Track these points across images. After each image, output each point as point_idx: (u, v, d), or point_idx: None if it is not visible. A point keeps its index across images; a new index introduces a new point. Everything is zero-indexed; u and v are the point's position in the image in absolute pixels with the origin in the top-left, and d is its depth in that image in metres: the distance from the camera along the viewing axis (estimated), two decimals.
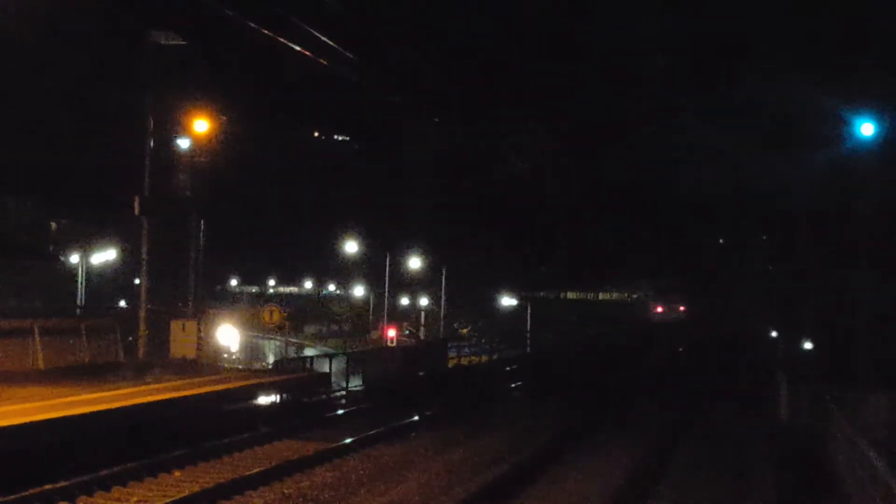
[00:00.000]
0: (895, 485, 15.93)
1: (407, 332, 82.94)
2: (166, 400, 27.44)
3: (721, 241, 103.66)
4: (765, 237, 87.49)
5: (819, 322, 52.21)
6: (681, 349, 79.29)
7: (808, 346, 56.26)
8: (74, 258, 61.83)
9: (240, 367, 42.70)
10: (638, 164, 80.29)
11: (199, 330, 39.93)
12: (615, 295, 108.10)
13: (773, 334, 77.49)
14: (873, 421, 26.84)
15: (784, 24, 53.08)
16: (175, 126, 40.26)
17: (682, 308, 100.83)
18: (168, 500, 19.94)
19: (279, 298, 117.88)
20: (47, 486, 20.11)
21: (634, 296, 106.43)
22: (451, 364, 58.43)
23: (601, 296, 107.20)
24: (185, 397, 28.49)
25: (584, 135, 72.60)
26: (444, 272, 78.11)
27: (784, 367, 43.31)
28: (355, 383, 43.07)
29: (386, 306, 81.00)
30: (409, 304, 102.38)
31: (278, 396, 34.42)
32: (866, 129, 33.93)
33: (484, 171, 76.90)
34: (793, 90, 47.10)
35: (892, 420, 27.47)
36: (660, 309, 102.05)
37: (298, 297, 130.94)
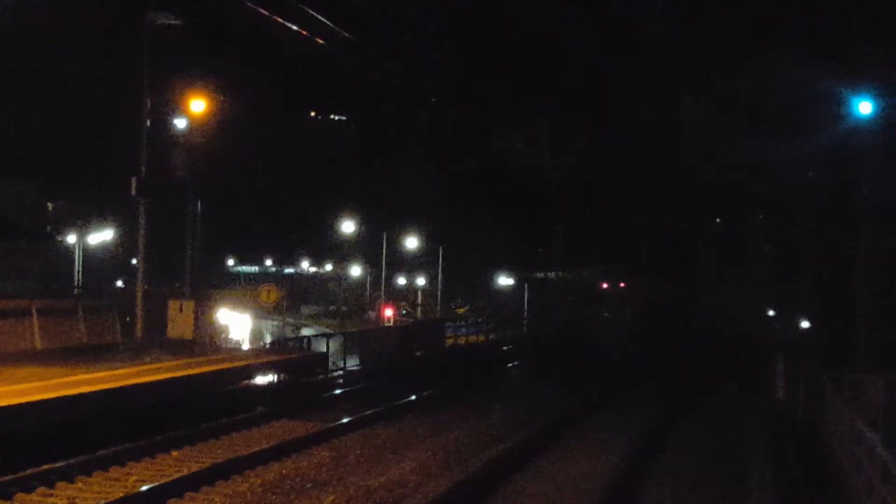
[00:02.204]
0: (892, 464, 15.97)
1: (404, 311, 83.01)
2: (164, 380, 27.51)
3: (717, 220, 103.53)
4: (762, 216, 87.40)
5: (816, 302, 52.21)
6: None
7: (805, 325, 56.27)
8: (71, 238, 61.80)
9: (237, 347, 42.73)
10: (635, 145, 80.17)
11: (197, 310, 39.93)
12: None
13: (770, 313, 77.55)
14: (870, 401, 26.86)
15: (780, 5, 52.95)
16: (172, 106, 40.19)
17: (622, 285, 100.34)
18: (166, 480, 19.98)
19: (276, 278, 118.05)
20: (45, 467, 20.19)
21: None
22: (448, 344, 58.47)
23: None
24: (182, 377, 28.57)
25: (581, 115, 72.47)
26: (441, 251, 78.15)
27: (781, 346, 43.36)
28: (352, 363, 43.12)
29: (383, 286, 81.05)
30: (406, 284, 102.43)
31: (276, 376, 34.48)
32: (864, 107, 33.92)
33: (482, 150, 76.78)
34: (789, 70, 47.03)
35: (889, 400, 27.49)
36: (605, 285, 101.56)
37: (296, 276, 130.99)
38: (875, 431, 18.98)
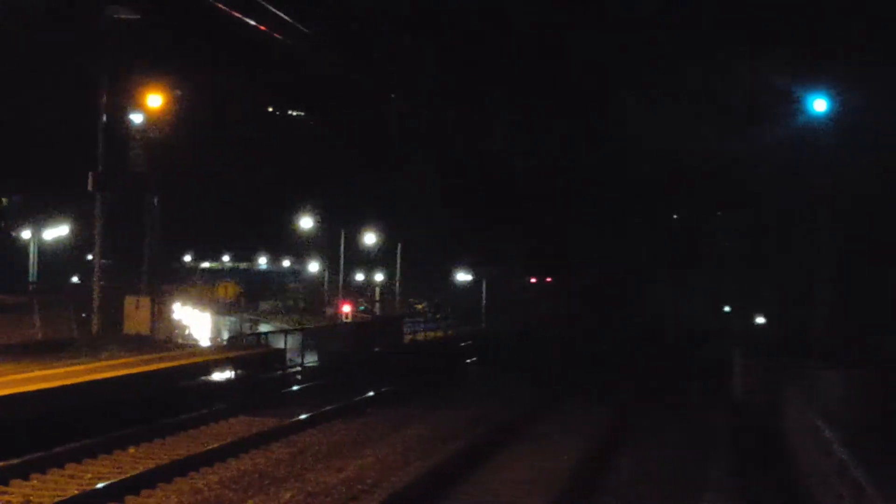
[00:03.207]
0: (847, 458, 16.04)
1: (362, 307, 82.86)
2: (121, 377, 27.33)
3: (675, 216, 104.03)
4: (719, 213, 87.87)
5: (773, 297, 52.50)
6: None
7: (760, 320, 56.58)
8: (26, 234, 61.34)
9: (195, 343, 42.57)
10: (593, 144, 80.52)
11: (154, 306, 39.76)
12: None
13: (726, 309, 77.95)
14: (826, 395, 27.01)
15: (737, 4, 53.28)
16: (129, 101, 40.00)
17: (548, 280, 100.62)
18: (123, 477, 19.82)
19: (234, 274, 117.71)
20: (0, 464, 20.00)
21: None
22: (406, 340, 58.45)
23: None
24: (140, 374, 28.40)
25: (544, 115, 72.69)
26: (399, 248, 78.10)
27: (738, 342, 43.55)
28: (311, 359, 42.99)
29: (341, 282, 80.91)
30: (364, 280, 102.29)
31: (234, 372, 34.31)
32: (819, 105, 34.17)
33: (441, 147, 76.80)
34: (746, 68, 47.29)
35: (845, 395, 27.64)
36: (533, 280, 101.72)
37: (254, 272, 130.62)
38: (831, 427, 19.07)
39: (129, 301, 39.44)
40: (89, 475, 20.58)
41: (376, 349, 48.59)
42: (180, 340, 41.61)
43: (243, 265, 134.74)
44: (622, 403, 35.24)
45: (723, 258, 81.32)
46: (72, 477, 20.53)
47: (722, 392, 37.64)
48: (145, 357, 32.05)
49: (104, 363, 29.66)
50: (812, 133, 35.83)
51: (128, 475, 20.08)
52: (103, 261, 39.04)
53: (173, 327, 43.33)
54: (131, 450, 23.37)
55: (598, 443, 26.91)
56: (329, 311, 78.82)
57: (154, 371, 29.30)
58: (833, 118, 34.44)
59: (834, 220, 36.20)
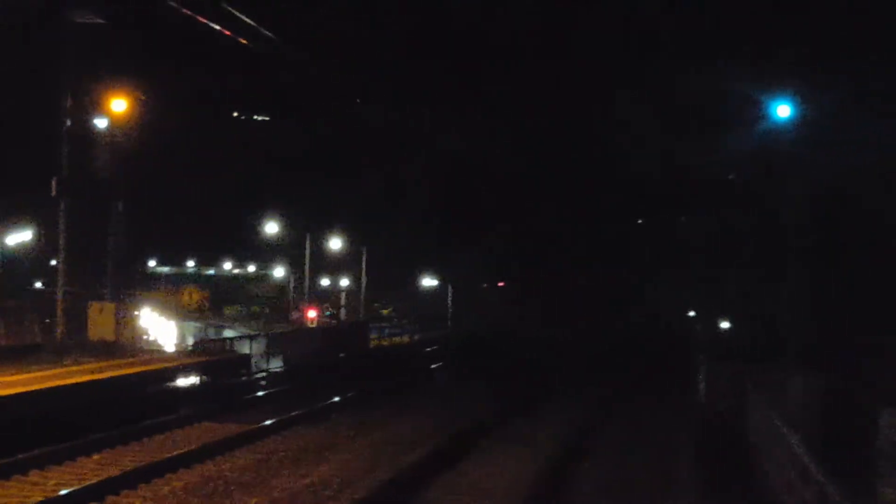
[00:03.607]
0: (810, 462, 16.14)
1: (328, 313, 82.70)
2: (85, 382, 27.26)
3: (640, 221, 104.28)
4: (682, 218, 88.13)
5: (737, 302, 52.71)
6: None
7: (725, 325, 56.80)
8: None
9: (159, 348, 42.39)
10: (560, 148, 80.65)
11: (118, 312, 39.58)
12: None
13: (691, 314, 78.21)
14: (789, 400, 27.14)
15: (702, 10, 53.54)
16: (93, 106, 39.79)
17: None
18: (87, 484, 19.78)
19: (199, 279, 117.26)
20: None
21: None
22: (372, 345, 58.41)
23: None
24: (104, 380, 28.32)
25: (512, 119, 72.81)
26: (364, 253, 77.99)
27: (703, 347, 43.72)
28: (276, 365, 42.94)
29: (307, 287, 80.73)
30: (330, 285, 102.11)
31: (198, 378, 34.22)
32: (782, 110, 34.38)
33: (409, 152, 76.83)
34: (710, 74, 47.52)
35: (807, 400, 27.79)
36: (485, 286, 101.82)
37: (218, 278, 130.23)
38: (794, 431, 19.18)
39: (94, 307, 39.25)
40: (53, 482, 20.50)
41: (342, 354, 48.52)
42: (145, 346, 41.36)
43: (208, 270, 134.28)
44: (584, 411, 35.31)
45: (687, 263, 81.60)
46: (35, 484, 20.44)
47: (687, 397, 37.78)
48: (110, 363, 31.94)
49: (68, 369, 29.58)
50: (776, 138, 36.03)
51: (92, 482, 20.02)
52: (67, 265, 38.82)
53: (138, 333, 43.07)
54: (96, 456, 23.29)
55: (562, 448, 26.98)
56: (294, 316, 78.61)
57: (118, 377, 29.22)
58: (797, 123, 34.65)
59: (798, 225, 36.41)
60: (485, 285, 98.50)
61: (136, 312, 43.19)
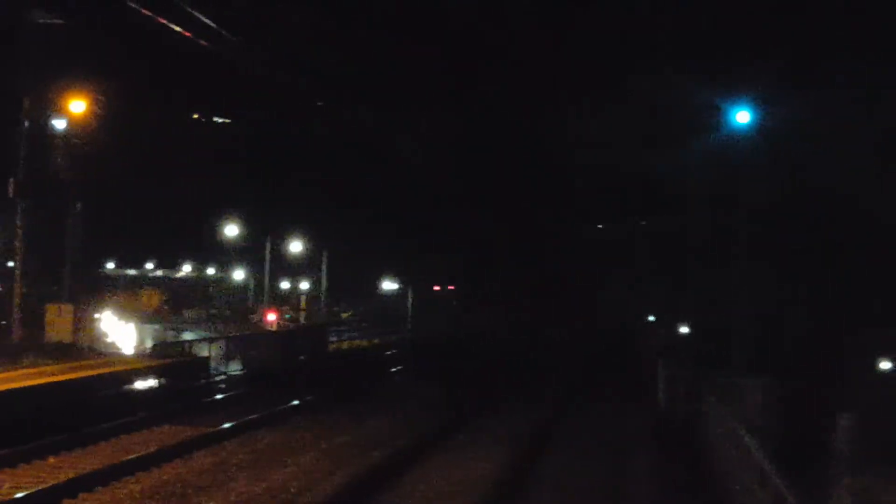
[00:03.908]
0: (767, 466, 16.21)
1: (288, 315, 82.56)
2: (43, 385, 27.10)
3: (600, 226, 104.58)
4: (643, 223, 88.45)
5: (697, 308, 52.96)
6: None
7: (684, 330, 57.04)
8: None
9: (118, 351, 42.20)
10: (518, 151, 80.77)
11: (77, 314, 39.38)
12: None
13: (651, 318, 78.49)
14: (747, 405, 27.27)
15: (662, 18, 53.81)
16: (51, 106, 39.57)
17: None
18: (43, 487, 19.61)
19: (158, 282, 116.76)
20: None
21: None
22: (332, 348, 58.35)
23: None
24: (62, 382, 28.15)
25: (470, 124, 72.84)
26: (325, 256, 77.90)
27: (662, 351, 43.87)
28: (235, 368, 42.79)
29: (266, 290, 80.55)
30: (290, 288, 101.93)
31: (157, 381, 34.04)
32: (742, 116, 34.62)
33: (370, 157, 76.74)
34: (669, 80, 47.76)
35: (764, 404, 27.93)
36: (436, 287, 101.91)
37: (178, 280, 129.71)
38: (752, 434, 19.26)
39: (52, 308, 39.06)
40: (8, 485, 20.33)
41: (301, 357, 48.44)
42: (103, 348, 41.15)
43: (167, 273, 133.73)
44: (545, 413, 35.36)
45: (647, 268, 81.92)
46: None
47: (646, 401, 37.91)
48: (68, 365, 31.76)
49: (25, 371, 29.39)
50: (735, 144, 36.25)
51: (48, 485, 19.85)
52: (24, 267, 38.59)
53: (96, 335, 42.90)
54: (52, 459, 23.12)
55: (520, 450, 27.00)
56: (254, 319, 78.45)
57: (76, 379, 29.05)
58: (756, 129, 34.89)
59: (754, 229, 36.65)
60: (442, 288, 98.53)
61: (94, 314, 42.97)
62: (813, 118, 39.78)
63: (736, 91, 36.27)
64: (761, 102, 35.25)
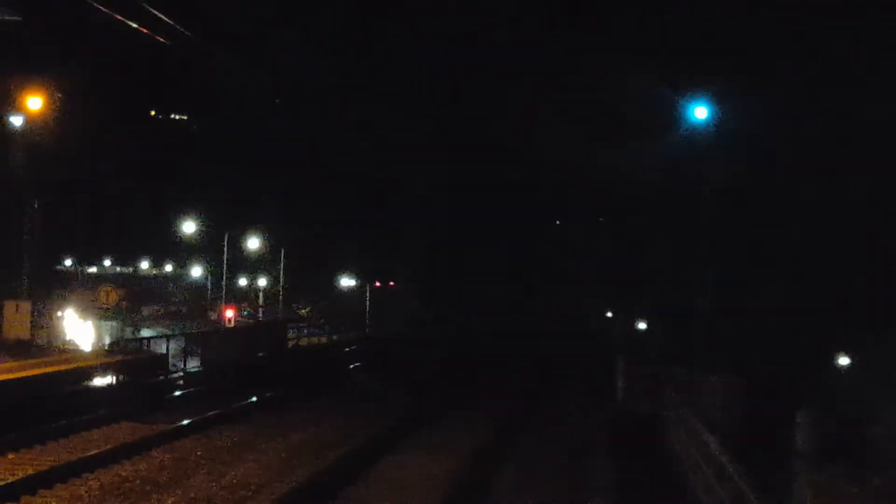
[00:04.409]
0: (727, 462, 16.40)
1: (245, 312, 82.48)
2: (1, 382, 27.01)
3: (557, 222, 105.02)
4: (601, 219, 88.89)
5: (656, 304, 53.27)
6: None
7: (642, 326, 57.35)
8: None
9: (76, 348, 42.03)
10: (478, 148, 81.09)
11: (34, 310, 39.25)
12: None
13: (608, 315, 78.83)
14: (706, 401, 27.47)
15: (621, 18, 54.21)
16: (8, 103, 39.42)
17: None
18: (2, 483, 19.63)
19: (116, 279, 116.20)
20: None
21: None
22: (290, 345, 58.31)
23: None
24: (20, 379, 28.09)
25: (436, 124, 73.17)
26: (283, 253, 77.88)
27: (620, 347, 44.11)
28: (193, 364, 42.70)
29: (224, 287, 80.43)
30: (247, 285, 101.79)
31: (116, 378, 33.96)
32: (700, 112, 34.87)
33: (329, 154, 76.85)
34: (628, 79, 48.05)
35: (725, 402, 28.14)
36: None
37: (135, 277, 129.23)
38: (712, 431, 19.46)
39: (9, 305, 38.93)
40: None
41: (260, 354, 48.39)
42: (61, 345, 41.00)
43: (125, 270, 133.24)
44: (504, 411, 35.51)
45: (605, 264, 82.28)
46: None
47: (604, 397, 38.06)
48: (26, 362, 31.68)
49: None
50: (693, 140, 36.50)
51: (6, 481, 19.86)
52: None
53: (54, 332, 42.72)
54: (11, 455, 23.10)
55: (480, 447, 27.15)
56: (212, 315, 78.33)
57: (35, 376, 28.99)
58: (713, 125, 35.15)
59: (713, 225, 36.90)
60: (400, 285, 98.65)
61: (52, 311, 42.79)
62: (767, 115, 40.16)
63: (693, 87, 36.56)
64: (718, 98, 35.54)
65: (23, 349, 35.89)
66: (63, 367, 31.37)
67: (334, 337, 67.80)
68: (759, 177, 42.06)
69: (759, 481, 14.79)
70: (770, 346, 40.03)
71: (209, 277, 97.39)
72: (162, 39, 33.07)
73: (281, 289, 79.90)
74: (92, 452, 23.24)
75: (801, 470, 17.56)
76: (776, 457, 19.08)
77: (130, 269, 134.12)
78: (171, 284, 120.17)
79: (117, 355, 37.10)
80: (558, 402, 39.71)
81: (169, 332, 49.88)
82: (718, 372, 29.88)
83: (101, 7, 30.40)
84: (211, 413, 30.06)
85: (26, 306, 39.07)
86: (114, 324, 61.87)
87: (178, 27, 32.42)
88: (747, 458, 16.57)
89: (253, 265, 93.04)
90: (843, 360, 41.73)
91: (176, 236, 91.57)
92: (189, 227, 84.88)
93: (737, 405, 27.17)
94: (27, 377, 28.54)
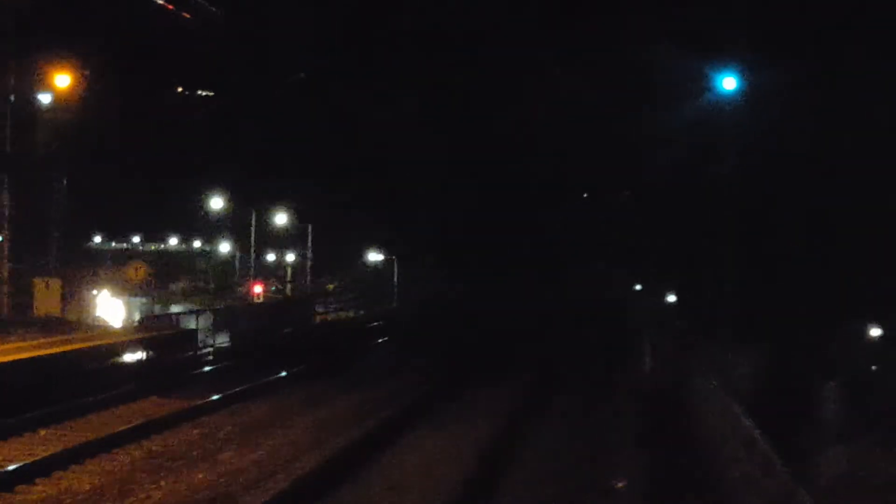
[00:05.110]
0: (755, 433, 16.41)
1: (273, 288, 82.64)
2: (32, 358, 27.19)
3: (585, 195, 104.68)
4: (627, 192, 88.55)
5: (684, 277, 53.10)
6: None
7: (671, 299, 57.22)
8: None
9: (106, 324, 42.26)
10: (505, 123, 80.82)
11: (64, 288, 39.46)
12: None
13: (637, 288, 78.68)
14: (734, 372, 27.46)
15: None
16: (36, 81, 39.55)
17: None
18: (34, 459, 19.80)
19: (145, 255, 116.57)
20: None
21: None
22: (317, 320, 58.47)
23: None
24: (51, 355, 28.24)
25: (450, 94, 72.88)
26: (310, 228, 77.93)
27: (649, 320, 44.07)
28: (222, 340, 42.88)
29: (252, 263, 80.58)
30: (276, 261, 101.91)
31: (145, 354, 34.14)
32: (728, 83, 34.68)
33: (356, 128, 76.75)
34: (657, 47, 47.76)
35: (751, 372, 28.11)
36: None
37: (164, 253, 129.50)
38: (739, 403, 19.46)
39: (39, 282, 39.13)
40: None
41: (287, 329, 48.57)
42: (91, 322, 41.22)
43: (154, 246, 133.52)
44: (530, 384, 35.46)
45: (633, 238, 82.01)
46: None
47: (631, 369, 38.07)
48: (56, 339, 31.85)
49: (14, 345, 29.47)
50: (721, 111, 36.35)
51: (39, 457, 20.04)
52: (11, 242, 38.65)
53: (84, 308, 42.97)
54: (43, 431, 23.27)
55: (508, 420, 27.19)
56: (240, 291, 78.51)
57: (65, 352, 29.16)
58: (742, 96, 34.98)
59: (741, 199, 36.79)
60: (427, 259, 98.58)
61: (81, 288, 43.01)
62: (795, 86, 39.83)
63: (721, 58, 36.36)
64: (747, 69, 35.34)
65: (53, 325, 36.09)
66: (93, 344, 31.54)
67: (361, 312, 67.95)
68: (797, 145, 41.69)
69: (785, 452, 14.80)
70: (801, 317, 39.86)
71: (237, 253, 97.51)
72: (188, 15, 33.15)
73: (308, 264, 79.96)
74: (122, 428, 23.41)
75: (827, 442, 17.56)
76: (805, 428, 19.07)
77: (160, 246, 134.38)
78: (200, 260, 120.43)
79: (147, 331, 37.30)
80: (585, 375, 39.61)
81: (197, 308, 50.07)
82: (746, 342, 29.87)
83: None
84: (240, 388, 30.20)
85: (56, 283, 39.27)
86: (143, 300, 62.27)
87: (203, 2, 32.49)
88: (773, 429, 16.57)
89: (281, 240, 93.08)
90: (875, 332, 41.53)
91: (204, 212, 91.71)
92: (217, 202, 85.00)
93: (763, 376, 27.16)
94: (57, 353, 28.71)
